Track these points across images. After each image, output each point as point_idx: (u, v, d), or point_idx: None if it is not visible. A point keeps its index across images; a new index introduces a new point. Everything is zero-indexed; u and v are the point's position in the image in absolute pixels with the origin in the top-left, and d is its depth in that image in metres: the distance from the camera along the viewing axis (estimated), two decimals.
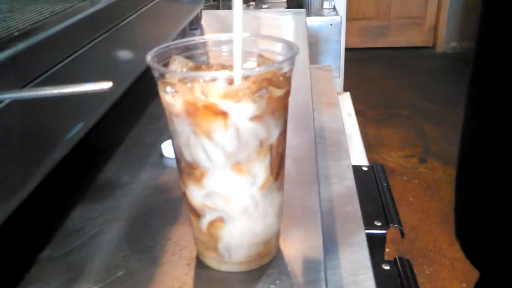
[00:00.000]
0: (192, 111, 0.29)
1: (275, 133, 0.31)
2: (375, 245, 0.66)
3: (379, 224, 0.66)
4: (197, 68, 0.35)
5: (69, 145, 0.42)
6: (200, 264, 0.37)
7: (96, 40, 0.45)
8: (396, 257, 0.62)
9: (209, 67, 0.35)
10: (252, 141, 0.30)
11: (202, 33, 1.11)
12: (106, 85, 0.24)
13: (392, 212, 0.69)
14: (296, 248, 0.40)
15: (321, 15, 2.40)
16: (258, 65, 0.32)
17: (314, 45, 2.39)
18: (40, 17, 0.41)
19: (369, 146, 2.61)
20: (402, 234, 0.67)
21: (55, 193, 0.48)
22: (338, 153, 0.74)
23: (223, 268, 0.35)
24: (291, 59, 0.30)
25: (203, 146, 0.30)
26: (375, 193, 0.74)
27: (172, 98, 0.29)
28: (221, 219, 0.32)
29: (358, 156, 0.84)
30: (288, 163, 0.36)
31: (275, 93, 0.29)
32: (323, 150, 0.73)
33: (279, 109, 0.31)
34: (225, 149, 0.30)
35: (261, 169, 0.32)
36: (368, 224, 0.65)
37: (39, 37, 0.34)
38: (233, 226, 0.32)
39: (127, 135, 0.61)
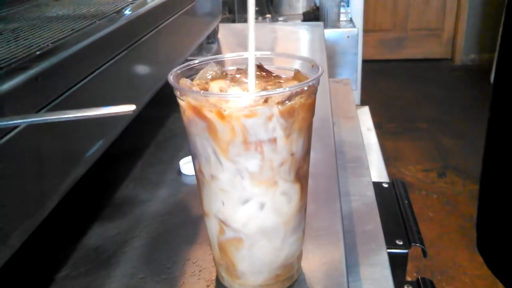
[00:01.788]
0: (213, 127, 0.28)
1: (298, 153, 0.31)
2: (397, 264, 0.65)
3: (401, 243, 0.64)
4: (226, 76, 0.34)
5: (89, 163, 0.41)
6: (220, 286, 0.36)
7: (115, 58, 0.45)
8: (419, 277, 0.60)
9: (235, 79, 0.34)
10: (274, 161, 0.29)
11: (219, 47, 1.11)
12: (130, 107, 0.24)
13: (414, 230, 0.67)
14: (319, 270, 0.38)
15: (338, 27, 2.40)
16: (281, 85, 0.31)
17: (331, 57, 2.38)
18: (60, 35, 0.40)
19: (387, 160, 2.58)
20: (425, 253, 0.65)
21: (73, 211, 0.48)
22: (358, 169, 0.72)
23: None
24: (317, 79, 0.30)
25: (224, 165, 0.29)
26: (396, 211, 0.72)
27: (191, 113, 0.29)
28: (240, 240, 0.31)
29: (378, 172, 0.83)
30: (309, 181, 0.35)
31: (300, 114, 0.29)
32: (343, 166, 0.72)
33: (304, 129, 0.30)
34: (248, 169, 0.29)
35: (289, 190, 0.31)
36: (390, 243, 0.64)
37: (60, 57, 0.34)
38: (253, 248, 0.31)
39: (144, 151, 0.61)
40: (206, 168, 0.30)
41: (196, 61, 0.34)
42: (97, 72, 0.41)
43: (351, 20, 2.55)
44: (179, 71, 0.33)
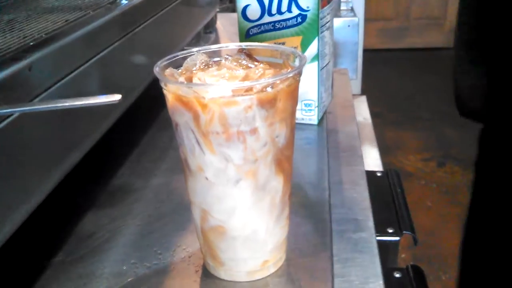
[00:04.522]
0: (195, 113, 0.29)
1: (281, 142, 0.32)
2: (388, 252, 0.66)
3: (392, 231, 0.65)
4: (211, 65, 0.35)
5: (83, 151, 0.42)
6: (207, 272, 0.37)
7: (109, 49, 0.46)
8: (409, 265, 0.61)
9: (220, 66, 0.35)
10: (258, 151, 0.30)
11: (217, 36, 1.12)
12: (116, 97, 0.25)
13: (405, 218, 0.68)
14: (305, 255, 0.40)
15: (339, 16, 2.39)
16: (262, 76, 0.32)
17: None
18: (54, 26, 0.41)
19: (387, 149, 2.59)
20: (415, 241, 0.66)
21: (68, 198, 0.49)
22: (351, 158, 0.73)
23: (228, 277, 0.35)
24: (299, 69, 0.30)
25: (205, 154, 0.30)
26: (389, 199, 0.73)
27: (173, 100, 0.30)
28: (223, 229, 0.32)
29: (373, 162, 0.84)
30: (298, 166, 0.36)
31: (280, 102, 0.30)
32: (336, 155, 0.73)
33: (286, 118, 0.31)
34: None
35: (271, 180, 0.32)
36: (381, 231, 0.65)
37: (53, 47, 0.35)
38: (236, 238, 0.33)
39: (140, 140, 0.62)
40: (190, 158, 0.31)
41: (183, 52, 0.35)
42: (90, 62, 0.42)
43: (352, 9, 2.54)
44: (165, 63, 0.33)
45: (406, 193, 1.63)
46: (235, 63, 0.34)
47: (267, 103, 0.29)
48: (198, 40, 1.03)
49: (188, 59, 0.35)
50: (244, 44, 0.36)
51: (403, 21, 3.88)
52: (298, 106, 0.61)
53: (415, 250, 1.78)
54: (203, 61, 0.35)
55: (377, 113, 3.00)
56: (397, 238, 0.65)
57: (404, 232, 0.66)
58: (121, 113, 0.50)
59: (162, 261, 0.40)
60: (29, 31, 0.40)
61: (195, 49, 0.35)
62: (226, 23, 1.24)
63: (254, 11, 0.57)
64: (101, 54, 0.43)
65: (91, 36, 0.42)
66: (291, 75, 0.30)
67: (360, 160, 0.74)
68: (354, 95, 1.09)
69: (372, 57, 3.56)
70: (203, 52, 0.36)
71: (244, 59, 0.35)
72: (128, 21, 0.52)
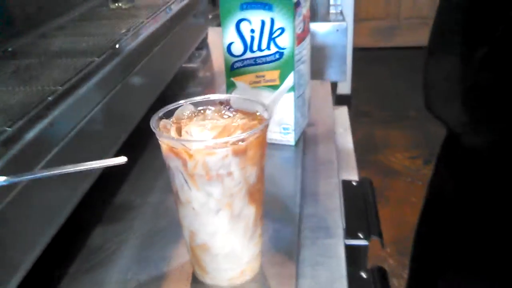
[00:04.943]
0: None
1: (252, 180, 0.40)
2: (358, 255, 0.75)
3: (362, 236, 0.74)
4: (197, 114, 0.44)
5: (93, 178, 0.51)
6: (195, 279, 0.46)
7: (114, 90, 0.54)
8: (374, 267, 0.70)
9: (205, 116, 0.44)
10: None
11: (208, 53, 1.20)
12: (122, 159, 0.33)
13: (375, 225, 0.77)
14: (275, 265, 0.48)
15: (328, 20, 2.47)
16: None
17: (322, 49, 2.46)
18: (67, 76, 0.50)
19: (375, 147, 2.68)
20: (382, 245, 0.75)
21: (77, 214, 0.58)
22: (328, 171, 0.82)
23: (212, 282, 0.44)
24: (263, 127, 0.39)
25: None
26: (361, 207, 0.82)
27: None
28: (206, 247, 0.41)
29: (350, 172, 0.93)
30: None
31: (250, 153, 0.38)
32: (314, 168, 0.81)
33: (256, 161, 0.40)
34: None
35: (244, 209, 0.40)
36: (352, 235, 0.74)
37: (69, 102, 0.44)
38: (217, 254, 0.41)
39: (139, 159, 0.70)
40: (180, 192, 0.40)
41: (173, 104, 0.44)
42: (98, 107, 0.50)
43: (341, 13, 2.62)
44: (159, 115, 0.42)
45: (393, 190, 1.79)
46: (216, 114, 0.43)
47: (240, 153, 0.38)
48: (190, 58, 1.11)
49: (177, 110, 0.43)
50: (223, 96, 0.45)
51: (393, 20, 3.97)
52: (277, 130, 0.70)
53: (398, 245, 1.88)
54: (190, 111, 0.44)
55: (366, 112, 3.10)
56: (366, 243, 0.74)
57: (372, 237, 0.75)
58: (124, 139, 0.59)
59: (159, 270, 0.49)
60: (46, 81, 0.48)
61: (183, 101, 0.44)
62: (216, 37, 1.32)
63: (237, 48, 0.65)
64: (106, 98, 0.52)
65: (100, 84, 0.50)
66: (258, 131, 0.38)
67: (335, 172, 0.82)
68: (335, 105, 1.17)
69: (364, 56, 3.65)
70: (190, 103, 0.44)
71: (224, 110, 0.43)
72: (129, 64, 0.60)
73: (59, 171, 0.33)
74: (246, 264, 0.44)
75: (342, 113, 1.13)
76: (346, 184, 0.87)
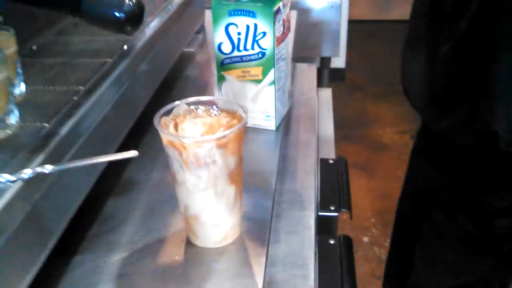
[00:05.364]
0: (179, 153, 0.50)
1: (232, 165, 0.52)
2: (329, 225, 0.87)
3: (333, 208, 0.86)
4: (190, 112, 0.55)
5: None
6: (188, 242, 0.59)
7: (126, 84, 0.65)
8: (340, 234, 0.83)
9: (196, 114, 0.55)
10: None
11: (204, 36, 1.30)
12: (133, 153, 0.45)
13: (345, 199, 0.90)
14: (252, 232, 0.61)
15: None
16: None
17: (316, 26, 2.54)
18: (86, 76, 0.61)
19: (367, 122, 2.80)
20: (351, 217, 0.88)
21: (94, 189, 0.70)
22: (307, 151, 0.93)
23: (202, 245, 0.57)
24: (240, 126, 0.51)
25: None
26: (336, 183, 0.94)
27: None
28: (197, 217, 0.54)
29: (328, 151, 1.05)
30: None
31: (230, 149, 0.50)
32: (294, 148, 0.93)
33: (235, 151, 0.52)
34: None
35: (226, 189, 0.53)
36: (325, 208, 0.86)
37: (92, 101, 0.55)
38: (205, 223, 0.54)
39: (142, 140, 0.82)
40: (177, 175, 0.52)
41: (172, 104, 0.55)
42: (114, 99, 0.61)
43: None
44: (160, 113, 0.54)
45: (380, 164, 1.95)
46: (205, 112, 0.55)
47: (222, 146, 0.50)
48: (188, 43, 1.21)
49: (174, 109, 0.55)
50: (211, 98, 0.56)
51: None
52: (261, 117, 0.81)
53: (383, 217, 2.03)
54: (184, 109, 0.55)
55: (359, 86, 3.20)
56: (336, 214, 0.86)
57: (342, 209, 0.87)
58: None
59: (160, 234, 0.61)
60: (69, 80, 0.60)
61: (178, 102, 0.55)
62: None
63: (226, 47, 0.76)
64: (119, 93, 0.63)
65: (114, 82, 0.62)
66: (236, 129, 0.50)
67: (314, 152, 0.94)
68: (319, 87, 1.28)
69: (358, 29, 3.71)
70: (185, 103, 0.56)
71: (211, 109, 0.55)
72: (138, 60, 0.71)
73: (87, 162, 0.45)
74: (228, 231, 0.57)
75: (327, 95, 1.24)
76: (324, 162, 0.99)
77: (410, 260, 0.90)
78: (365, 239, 1.93)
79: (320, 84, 2.87)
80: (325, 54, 2.69)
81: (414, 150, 0.97)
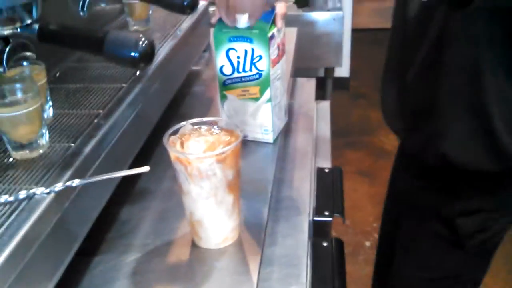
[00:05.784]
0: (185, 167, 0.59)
1: (230, 177, 0.61)
2: (323, 228, 0.95)
3: (327, 213, 0.94)
4: (195, 131, 0.64)
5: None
6: (193, 243, 0.67)
7: (140, 105, 0.74)
8: (333, 237, 0.91)
9: (200, 133, 0.64)
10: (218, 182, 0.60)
11: (210, 55, 1.39)
12: (145, 169, 0.54)
13: (339, 204, 0.98)
14: (250, 235, 0.69)
15: (325, 10, 2.63)
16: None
17: (319, 37, 2.63)
18: (105, 100, 0.70)
19: (370, 129, 2.87)
20: (344, 221, 0.96)
21: (112, 198, 0.79)
22: (305, 160, 1.01)
23: (205, 246, 0.66)
24: (237, 143, 0.59)
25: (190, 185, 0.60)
26: (330, 191, 1.02)
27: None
28: (200, 222, 0.62)
29: (325, 160, 1.13)
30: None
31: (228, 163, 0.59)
32: (292, 158, 1.01)
33: (233, 164, 0.60)
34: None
35: (225, 197, 0.61)
36: (319, 213, 0.94)
37: (110, 123, 0.64)
38: (207, 227, 0.63)
39: (152, 154, 0.91)
40: (183, 185, 0.61)
41: (179, 125, 0.64)
42: (129, 120, 0.70)
43: (340, 1, 2.77)
44: (169, 132, 0.62)
45: (383, 170, 2.08)
46: (207, 131, 0.64)
47: (221, 161, 0.58)
48: (195, 61, 1.31)
49: (181, 129, 0.64)
50: (213, 118, 0.65)
51: (393, 2, 4.08)
52: (259, 131, 0.90)
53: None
54: (189, 128, 0.64)
55: (363, 94, 3.27)
56: (330, 219, 0.94)
57: (336, 214, 0.95)
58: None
59: (169, 237, 0.70)
60: (90, 105, 0.69)
61: (184, 122, 0.64)
62: None
63: (227, 69, 0.85)
64: (134, 114, 0.72)
65: (129, 105, 0.71)
66: (233, 146, 0.59)
67: (310, 162, 1.03)
68: (318, 100, 1.36)
69: (363, 37, 3.79)
70: (190, 124, 0.64)
71: (213, 128, 0.64)
72: (150, 83, 0.80)
73: (107, 176, 0.54)
74: (228, 233, 0.65)
75: (325, 107, 1.32)
76: (320, 171, 1.07)
77: (393, 254, 1.00)
78: (367, 243, 2.00)
79: (324, 93, 2.96)
80: (329, 64, 2.79)
81: (396, 158, 1.07)
